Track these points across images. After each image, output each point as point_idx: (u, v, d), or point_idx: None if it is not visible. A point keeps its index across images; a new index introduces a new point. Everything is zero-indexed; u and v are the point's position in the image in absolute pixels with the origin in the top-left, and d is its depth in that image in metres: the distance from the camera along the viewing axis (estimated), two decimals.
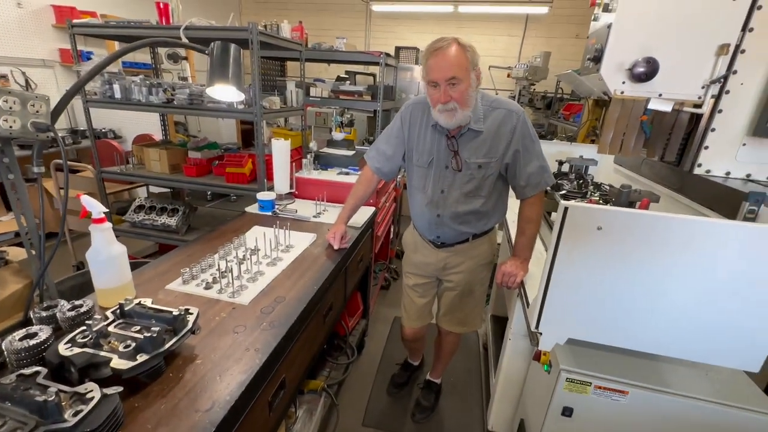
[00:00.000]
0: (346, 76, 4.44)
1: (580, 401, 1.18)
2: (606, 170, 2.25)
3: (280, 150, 2.05)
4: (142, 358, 0.81)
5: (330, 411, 1.80)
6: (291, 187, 2.20)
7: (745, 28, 1.20)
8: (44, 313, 0.94)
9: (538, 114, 5.47)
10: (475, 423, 1.96)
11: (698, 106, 1.31)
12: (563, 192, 1.85)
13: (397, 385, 2.14)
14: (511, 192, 1.53)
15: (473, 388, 2.20)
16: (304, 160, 2.48)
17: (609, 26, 1.30)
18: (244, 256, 1.45)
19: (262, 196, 2.03)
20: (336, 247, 1.61)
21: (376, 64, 3.55)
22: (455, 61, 1.22)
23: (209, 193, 4.73)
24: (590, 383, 1.16)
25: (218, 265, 1.36)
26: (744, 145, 1.31)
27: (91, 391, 0.70)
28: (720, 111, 1.30)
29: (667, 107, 1.31)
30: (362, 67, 4.82)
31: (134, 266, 1.32)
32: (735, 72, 1.25)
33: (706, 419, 1.10)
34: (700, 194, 1.38)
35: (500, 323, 2.34)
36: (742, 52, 1.23)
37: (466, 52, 1.24)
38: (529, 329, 1.23)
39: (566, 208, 0.99)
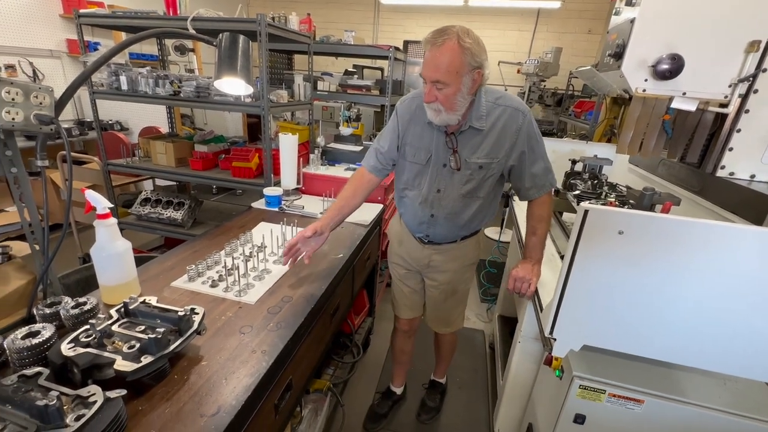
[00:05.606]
0: (354, 70, 4.40)
1: (594, 409, 1.15)
2: (621, 170, 2.19)
3: (288, 145, 2.02)
4: (146, 359, 0.78)
5: (335, 410, 1.78)
6: (298, 183, 2.17)
7: None
8: (47, 311, 0.92)
9: (548, 111, 5.38)
10: (481, 425, 1.93)
11: (724, 105, 1.26)
12: (577, 192, 1.80)
13: (377, 418, 1.87)
14: None
15: (479, 389, 2.17)
16: (311, 156, 2.45)
17: (632, 21, 1.24)
18: (250, 253, 1.42)
19: (269, 191, 2.00)
20: (284, 263, 1.36)
21: (385, 58, 3.50)
22: (445, 63, 1.12)
23: (215, 186, 4.72)
24: (604, 391, 1.13)
25: (224, 263, 1.33)
26: None
27: (94, 394, 0.68)
28: (747, 111, 1.24)
29: (692, 106, 1.26)
30: (370, 61, 4.77)
31: (140, 260, 1.30)
32: (765, 70, 1.19)
33: (724, 431, 1.06)
34: (722, 197, 1.32)
35: (508, 323, 2.30)
36: None
37: (463, 54, 1.11)
38: (542, 334, 1.20)
39: (586, 211, 0.95)
